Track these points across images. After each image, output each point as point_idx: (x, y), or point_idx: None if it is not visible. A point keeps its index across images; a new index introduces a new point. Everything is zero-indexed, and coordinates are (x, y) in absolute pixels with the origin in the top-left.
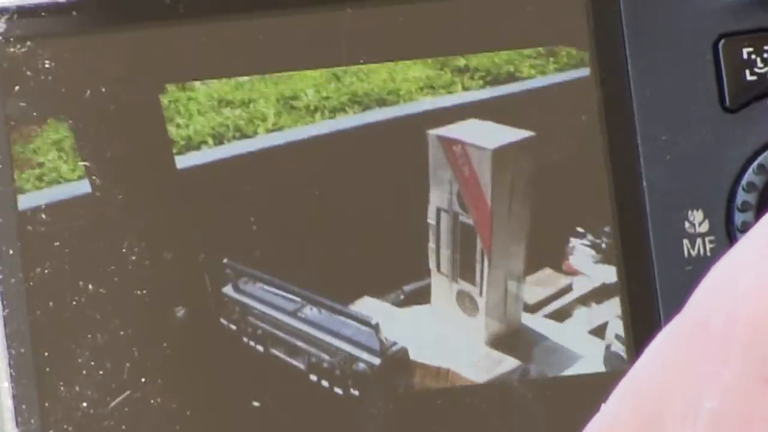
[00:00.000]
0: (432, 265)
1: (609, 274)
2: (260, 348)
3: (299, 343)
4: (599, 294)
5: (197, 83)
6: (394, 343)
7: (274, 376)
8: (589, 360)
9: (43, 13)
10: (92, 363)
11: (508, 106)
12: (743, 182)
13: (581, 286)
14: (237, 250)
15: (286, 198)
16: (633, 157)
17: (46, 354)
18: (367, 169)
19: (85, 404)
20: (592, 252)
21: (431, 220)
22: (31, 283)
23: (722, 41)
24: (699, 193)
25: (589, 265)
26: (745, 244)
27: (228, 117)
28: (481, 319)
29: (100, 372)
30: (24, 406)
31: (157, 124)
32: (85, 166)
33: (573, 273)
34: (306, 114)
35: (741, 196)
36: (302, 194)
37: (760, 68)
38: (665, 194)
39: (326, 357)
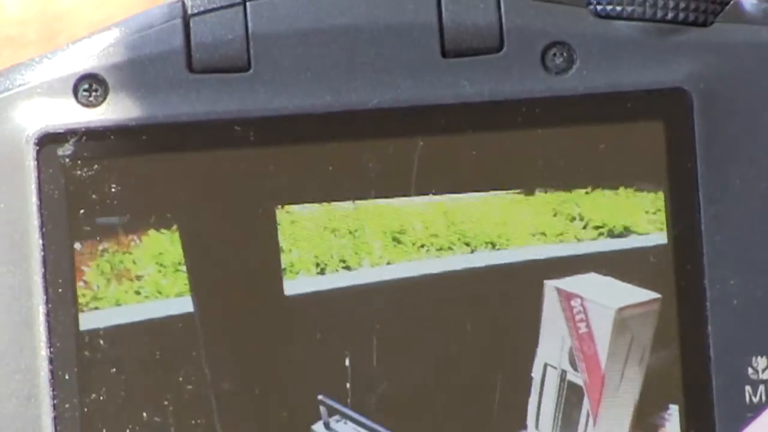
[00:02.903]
0: (530, 422)
1: None
2: None
3: None
4: None
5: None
6: None
7: None
8: None
9: (111, 136)
10: None
11: (624, 260)
12: None
13: None
14: (332, 387)
15: (389, 336)
16: (700, 300)
17: None
18: (474, 315)
19: None
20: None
21: (536, 374)
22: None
23: None
24: (765, 340)
25: None
26: None
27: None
28: None
29: None
30: None
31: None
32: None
33: None
34: (412, 250)
35: None
36: (406, 334)
37: None
38: (730, 338)
39: None
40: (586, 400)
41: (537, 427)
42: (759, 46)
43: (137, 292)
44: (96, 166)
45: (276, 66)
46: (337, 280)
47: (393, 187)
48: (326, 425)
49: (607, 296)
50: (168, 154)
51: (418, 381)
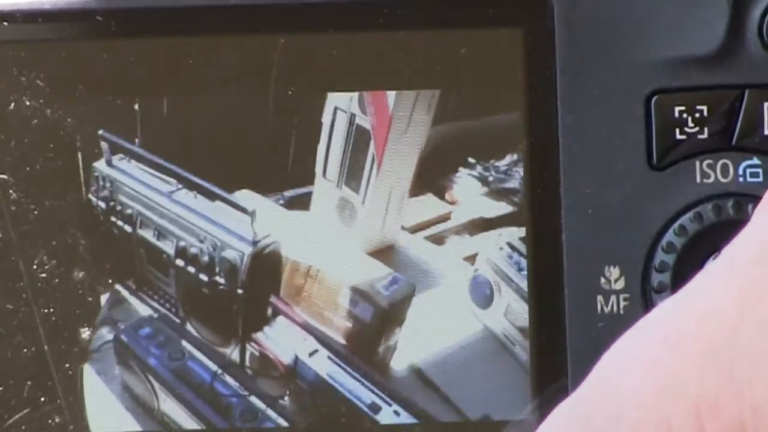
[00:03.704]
0: (318, 169)
1: (490, 208)
2: (128, 228)
3: (170, 226)
4: (477, 226)
5: None
6: (268, 236)
7: (139, 257)
8: (455, 283)
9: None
10: None
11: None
12: (663, 242)
13: (459, 216)
14: (116, 123)
15: (180, 79)
16: (555, 207)
17: None
18: (266, 60)
19: None
20: (479, 184)
21: (326, 119)
22: None
23: (655, 98)
24: (618, 250)
25: (471, 197)
26: (634, 338)
27: None
28: (359, 228)
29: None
30: None
31: None
32: None
33: (453, 202)
34: None
35: (659, 256)
36: (197, 77)
37: (691, 128)
38: (584, 247)
39: (196, 242)
40: (372, 144)
41: (324, 175)
42: None
43: None
44: None
45: None
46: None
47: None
48: (108, 163)
49: None
50: (36, 44)
51: (211, 123)
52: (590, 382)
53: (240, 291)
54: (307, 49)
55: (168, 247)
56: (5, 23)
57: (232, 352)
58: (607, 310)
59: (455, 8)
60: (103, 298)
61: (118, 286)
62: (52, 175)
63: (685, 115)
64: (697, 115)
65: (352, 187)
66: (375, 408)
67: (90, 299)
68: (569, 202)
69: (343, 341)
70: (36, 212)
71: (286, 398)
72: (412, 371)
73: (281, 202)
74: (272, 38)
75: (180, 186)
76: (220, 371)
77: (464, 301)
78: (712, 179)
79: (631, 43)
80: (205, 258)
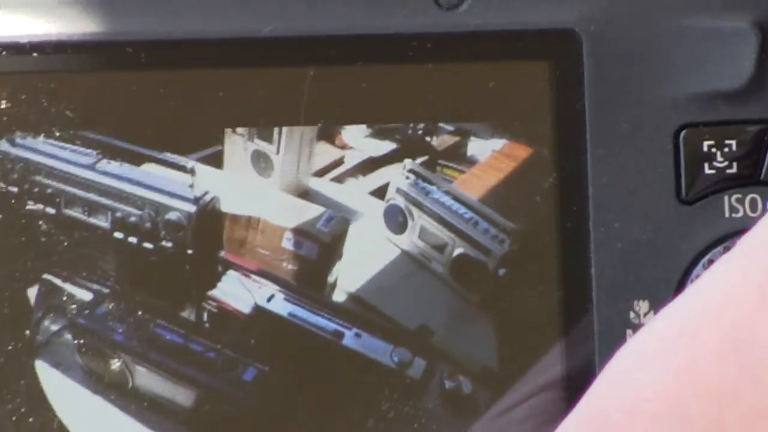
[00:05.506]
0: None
1: (378, 147)
2: (51, 210)
3: (100, 199)
4: (369, 165)
5: None
6: (207, 192)
7: (71, 238)
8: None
9: (2, 52)
10: None
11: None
12: (692, 276)
13: (352, 159)
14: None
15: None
16: (584, 241)
17: None
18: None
19: None
20: (363, 126)
21: None
22: None
23: (683, 132)
24: (647, 284)
25: (359, 141)
26: (647, 336)
27: None
28: (276, 178)
29: None
30: None
31: None
32: None
33: (344, 147)
34: None
35: None
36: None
37: (720, 162)
38: (613, 281)
39: (134, 210)
40: None
41: (234, 131)
42: None
43: None
44: None
45: None
46: None
47: (283, 116)
48: (11, 142)
49: None
50: (61, 74)
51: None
52: (604, 379)
53: (190, 252)
54: (333, 81)
55: (102, 221)
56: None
57: (191, 312)
58: None
59: (484, 41)
60: (32, 292)
61: (46, 276)
62: None
63: (713, 150)
64: (726, 149)
65: (265, 138)
66: (339, 335)
67: (18, 296)
68: (598, 237)
69: (294, 281)
70: None
71: (255, 344)
72: (352, 298)
73: (190, 166)
74: (302, 71)
75: (101, 155)
76: (187, 332)
77: (381, 229)
78: (740, 213)
79: (660, 77)
80: (147, 225)
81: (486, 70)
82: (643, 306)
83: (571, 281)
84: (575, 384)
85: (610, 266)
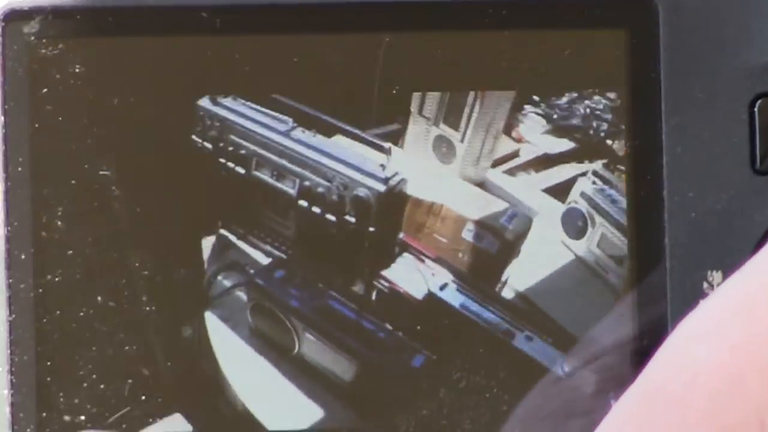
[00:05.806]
0: (414, 107)
1: (554, 144)
2: (241, 170)
3: (291, 166)
4: (544, 162)
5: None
6: (396, 173)
7: (254, 199)
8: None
9: (78, 16)
10: (94, 376)
11: None
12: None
13: (527, 153)
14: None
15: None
16: (658, 210)
17: (49, 363)
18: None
19: (82, 418)
20: (543, 122)
21: None
22: (41, 290)
23: (759, 101)
24: (721, 254)
25: (536, 136)
26: (704, 311)
27: None
28: (457, 165)
29: (101, 386)
30: (21, 415)
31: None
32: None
33: (520, 140)
34: None
35: None
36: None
37: None
38: (687, 251)
39: (323, 181)
40: None
41: (420, 113)
42: None
43: None
44: (61, 45)
45: None
46: None
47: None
48: (213, 101)
49: None
50: (132, 37)
51: (314, 61)
52: (661, 356)
53: (372, 229)
54: (410, 48)
55: (288, 187)
56: (110, 18)
57: (362, 290)
58: None
59: (560, 9)
60: (206, 244)
61: (223, 231)
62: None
63: None
64: None
65: (451, 124)
66: (510, 334)
67: (194, 247)
68: (672, 206)
69: (468, 273)
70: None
71: (425, 330)
72: (520, 298)
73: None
74: (377, 37)
75: (296, 124)
76: (359, 307)
77: (557, 232)
78: None
79: (736, 47)
80: (334, 197)
81: (562, 39)
82: (716, 276)
83: (645, 250)
84: (649, 354)
85: (684, 236)
